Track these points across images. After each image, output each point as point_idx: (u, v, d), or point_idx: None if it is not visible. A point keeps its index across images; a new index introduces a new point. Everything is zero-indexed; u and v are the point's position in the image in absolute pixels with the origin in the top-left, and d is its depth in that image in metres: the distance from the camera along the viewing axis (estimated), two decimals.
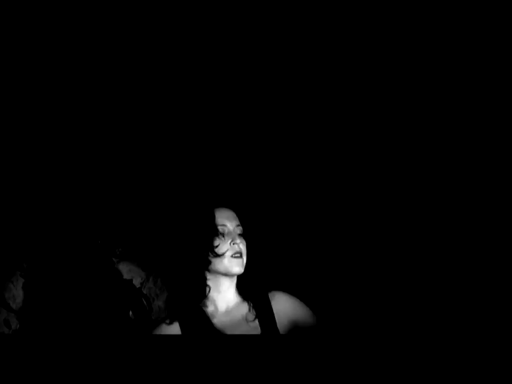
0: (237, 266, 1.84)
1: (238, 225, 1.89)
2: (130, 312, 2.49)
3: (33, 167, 2.46)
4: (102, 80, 2.45)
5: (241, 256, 1.85)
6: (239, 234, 1.88)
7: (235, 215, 1.93)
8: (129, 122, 2.55)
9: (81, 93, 2.45)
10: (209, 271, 1.85)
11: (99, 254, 2.51)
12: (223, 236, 1.85)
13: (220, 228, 1.85)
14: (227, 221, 1.88)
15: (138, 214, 2.59)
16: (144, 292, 2.54)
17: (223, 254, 1.83)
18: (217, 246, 1.83)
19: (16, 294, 2.39)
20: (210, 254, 1.83)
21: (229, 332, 1.79)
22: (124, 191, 2.58)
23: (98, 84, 2.45)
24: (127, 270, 2.55)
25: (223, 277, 1.86)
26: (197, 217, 1.89)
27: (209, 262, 1.83)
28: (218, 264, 1.83)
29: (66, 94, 2.44)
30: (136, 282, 2.55)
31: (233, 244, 1.84)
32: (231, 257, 1.83)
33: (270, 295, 1.88)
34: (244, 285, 1.91)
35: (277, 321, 1.82)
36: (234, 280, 1.89)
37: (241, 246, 1.86)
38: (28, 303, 2.40)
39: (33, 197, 2.45)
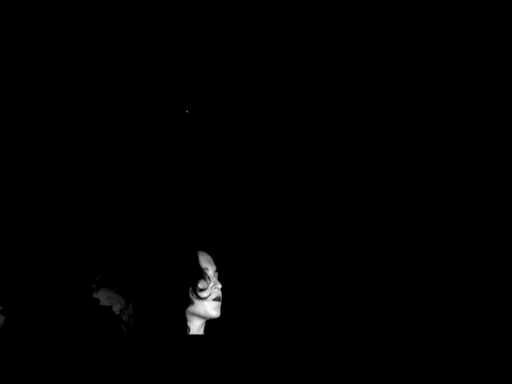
0: (216, 311, 1.85)
1: (216, 270, 1.91)
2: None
3: (10, 190, 2.48)
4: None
5: (219, 301, 1.85)
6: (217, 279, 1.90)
7: (213, 260, 1.94)
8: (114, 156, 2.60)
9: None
10: (185, 312, 1.84)
11: (78, 281, 2.49)
12: (208, 279, 1.85)
13: (204, 270, 1.86)
14: (209, 265, 1.90)
15: (119, 241, 2.59)
16: (124, 318, 2.49)
17: (205, 298, 1.82)
18: (201, 290, 1.82)
19: None
20: (193, 295, 1.82)
21: None
22: (105, 217, 2.59)
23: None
24: (107, 297, 2.50)
25: (197, 319, 1.85)
26: (181, 257, 1.89)
27: (190, 304, 1.82)
28: (199, 306, 1.83)
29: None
30: (116, 309, 2.50)
31: (215, 288, 1.85)
32: (212, 301, 1.83)
33: None
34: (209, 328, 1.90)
35: None
36: (204, 323, 1.88)
37: (220, 291, 1.87)
38: (5, 330, 2.35)
39: (10, 223, 2.46)
